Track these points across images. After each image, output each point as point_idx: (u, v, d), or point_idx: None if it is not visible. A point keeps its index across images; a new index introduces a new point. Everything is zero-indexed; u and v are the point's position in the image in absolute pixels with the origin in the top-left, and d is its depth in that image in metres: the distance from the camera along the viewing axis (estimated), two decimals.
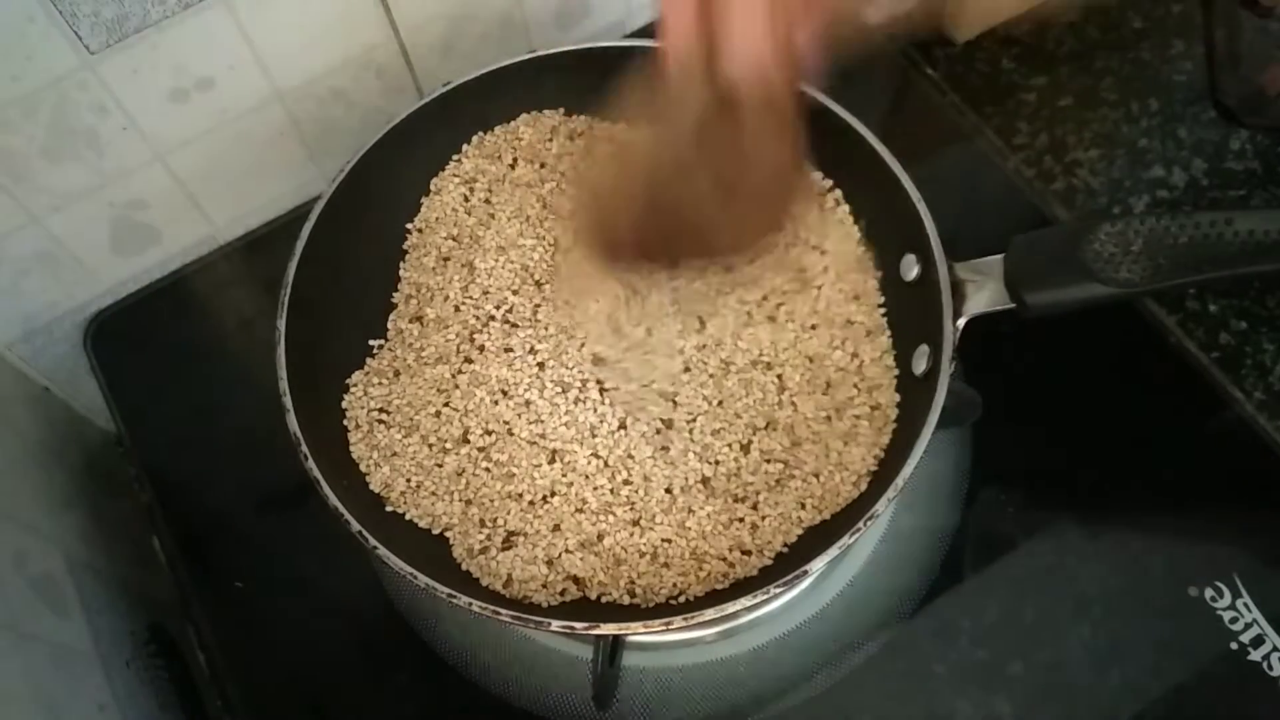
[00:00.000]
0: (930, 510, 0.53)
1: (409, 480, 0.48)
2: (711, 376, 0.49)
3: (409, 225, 0.55)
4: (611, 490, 0.47)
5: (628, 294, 0.47)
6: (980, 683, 0.49)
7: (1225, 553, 0.51)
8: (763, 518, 0.46)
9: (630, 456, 0.47)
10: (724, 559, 0.46)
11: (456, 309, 0.52)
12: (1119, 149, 0.64)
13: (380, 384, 0.51)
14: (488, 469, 0.48)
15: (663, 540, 0.46)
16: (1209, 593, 0.50)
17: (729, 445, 0.47)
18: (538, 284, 0.52)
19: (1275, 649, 0.49)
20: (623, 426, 0.48)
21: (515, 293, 0.52)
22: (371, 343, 0.52)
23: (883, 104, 0.66)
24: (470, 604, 0.41)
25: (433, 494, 0.48)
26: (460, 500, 0.47)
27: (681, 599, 0.45)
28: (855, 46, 0.33)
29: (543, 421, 0.48)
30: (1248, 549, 0.51)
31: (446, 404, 0.49)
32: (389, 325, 0.53)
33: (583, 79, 0.55)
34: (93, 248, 0.59)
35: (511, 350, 0.50)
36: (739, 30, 0.33)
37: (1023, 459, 0.55)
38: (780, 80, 0.34)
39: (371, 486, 0.48)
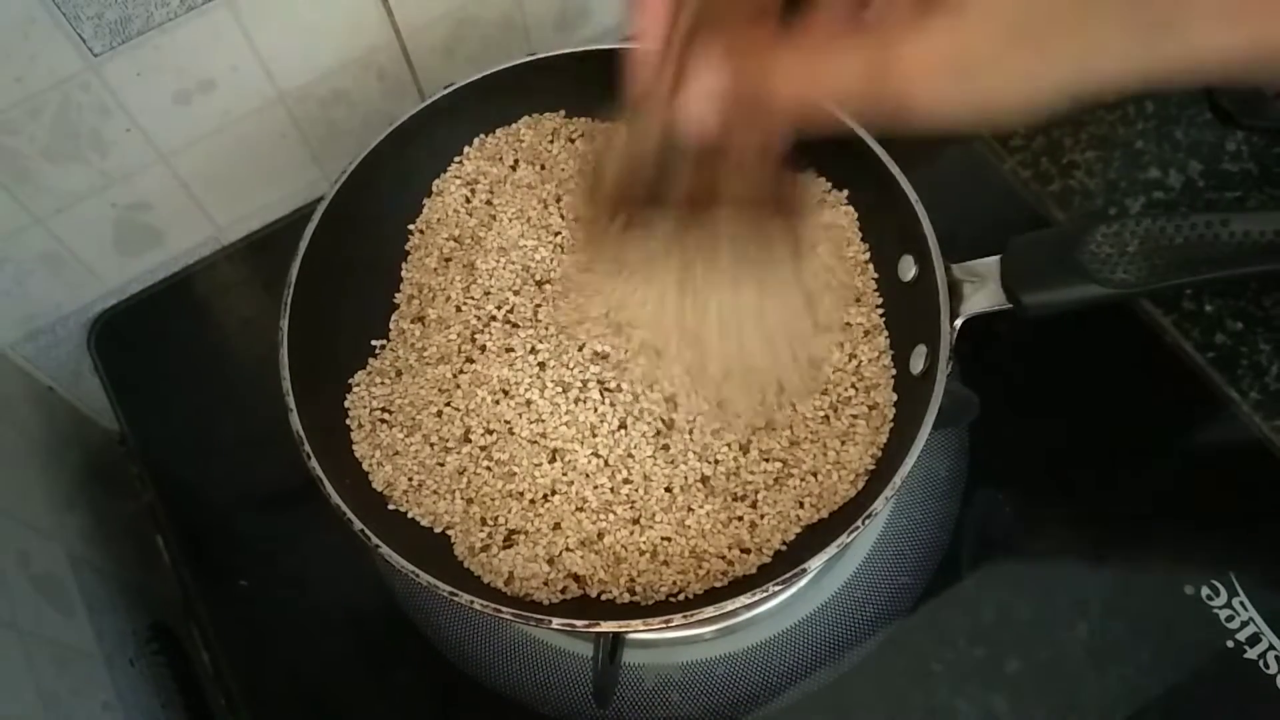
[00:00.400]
0: (928, 509, 0.54)
1: (411, 479, 0.48)
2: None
3: (411, 226, 0.55)
4: (612, 489, 0.47)
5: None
6: (978, 681, 0.50)
7: (1221, 551, 0.52)
8: (761, 516, 0.46)
9: (630, 455, 0.48)
10: (723, 557, 0.46)
11: (458, 309, 0.52)
12: (1115, 150, 0.64)
13: (382, 384, 0.51)
14: (489, 468, 0.48)
15: (662, 538, 0.46)
16: (1205, 591, 0.50)
17: (728, 445, 0.48)
18: (539, 284, 0.52)
19: (1271, 647, 0.49)
20: (623, 426, 0.48)
21: (516, 293, 0.52)
22: (374, 343, 0.53)
23: None
24: (472, 601, 0.42)
25: (434, 493, 0.48)
26: (462, 499, 0.48)
27: (681, 597, 0.45)
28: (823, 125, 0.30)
29: (543, 421, 0.48)
30: (1244, 548, 0.52)
31: (448, 403, 0.50)
32: (391, 325, 0.53)
33: (583, 81, 0.55)
34: (96, 248, 0.59)
35: (512, 350, 0.50)
36: (695, 88, 0.31)
37: (1019, 458, 0.56)
38: (742, 135, 0.32)
39: (374, 485, 0.48)
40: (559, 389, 0.49)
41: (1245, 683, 0.48)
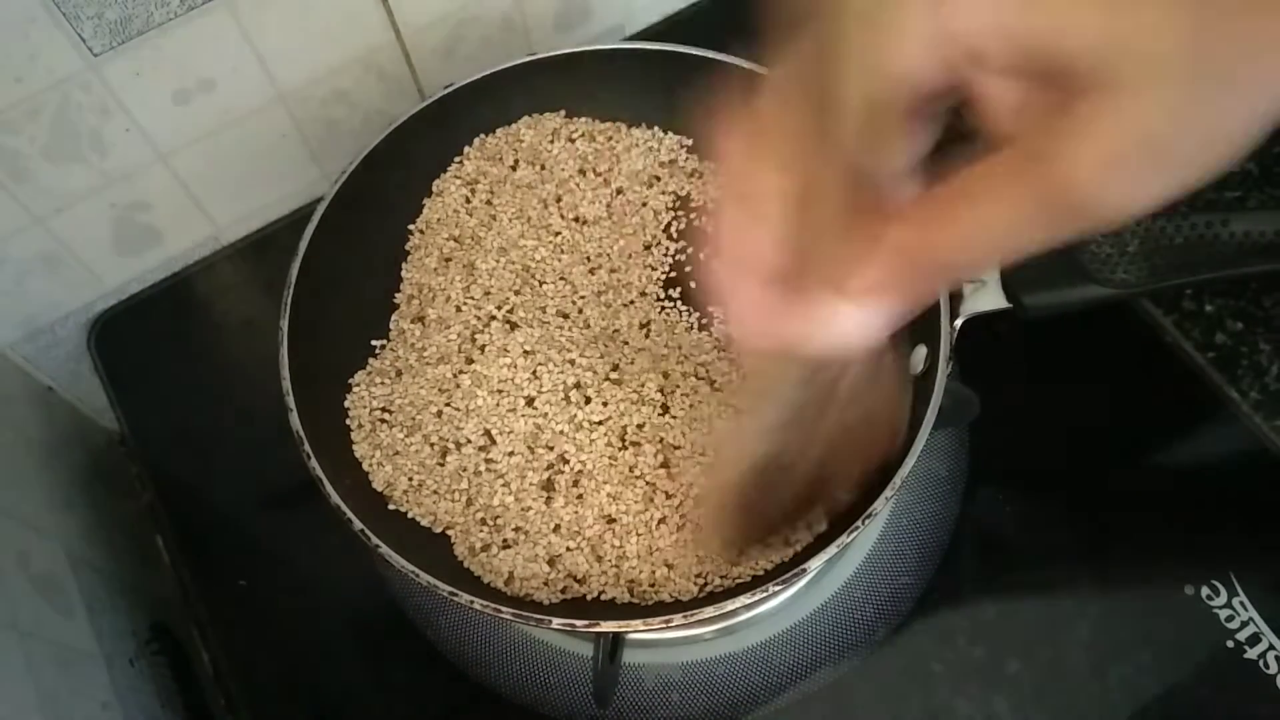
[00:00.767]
0: (927, 509, 0.54)
1: (411, 479, 0.48)
2: None
3: (411, 226, 0.55)
4: (612, 490, 0.47)
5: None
6: (978, 681, 0.50)
7: (1221, 551, 0.52)
8: None
9: (631, 456, 0.48)
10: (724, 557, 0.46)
11: (458, 309, 0.52)
12: None
13: (382, 384, 0.51)
14: (489, 468, 0.48)
15: (663, 539, 0.46)
16: (1205, 591, 0.50)
17: None
18: (539, 284, 0.52)
19: (1271, 647, 0.49)
20: (624, 428, 0.48)
21: (516, 293, 0.52)
22: (374, 343, 0.53)
23: None
24: (472, 601, 0.42)
25: (435, 493, 0.48)
26: (462, 499, 0.48)
27: (681, 597, 0.45)
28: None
29: (544, 421, 0.48)
30: (1244, 548, 0.52)
31: (448, 404, 0.49)
32: (391, 325, 0.53)
33: (583, 81, 0.55)
34: (96, 248, 0.59)
35: (513, 351, 0.50)
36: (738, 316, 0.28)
37: (1019, 458, 0.56)
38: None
39: (374, 485, 0.48)
40: (559, 390, 0.49)
41: (1245, 683, 0.48)
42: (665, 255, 0.54)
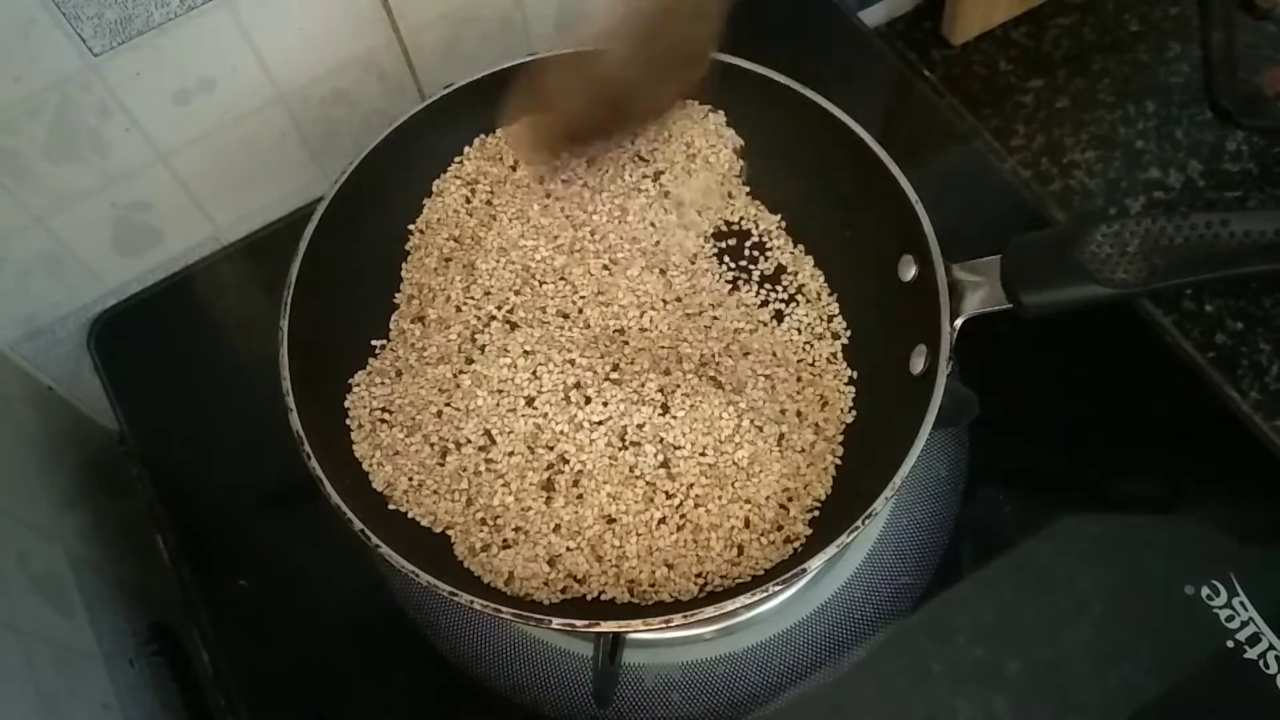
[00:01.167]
0: (927, 509, 0.54)
1: (411, 479, 0.48)
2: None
3: (411, 226, 0.55)
4: (612, 490, 0.47)
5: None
6: (978, 681, 0.50)
7: (1221, 551, 0.52)
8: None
9: (631, 456, 0.48)
10: (724, 558, 0.46)
11: (458, 309, 0.52)
12: (1115, 150, 0.64)
13: (382, 384, 0.51)
14: (489, 468, 0.48)
15: (663, 539, 0.46)
16: (1205, 591, 0.50)
17: None
18: (539, 284, 0.52)
19: (1271, 647, 0.49)
20: (624, 427, 0.48)
21: (516, 293, 0.52)
22: (374, 343, 0.53)
23: (881, 106, 0.67)
24: (472, 601, 0.42)
25: (435, 493, 0.48)
26: (462, 499, 0.48)
27: (681, 597, 0.45)
28: None
29: (544, 421, 0.48)
30: (1244, 547, 0.52)
31: (448, 404, 0.49)
32: (391, 325, 0.53)
33: None
34: (96, 248, 0.59)
35: (513, 350, 0.50)
36: None
37: (1019, 458, 0.56)
38: None
39: (374, 485, 0.48)
40: (559, 390, 0.49)
41: (1245, 683, 0.49)
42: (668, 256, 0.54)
